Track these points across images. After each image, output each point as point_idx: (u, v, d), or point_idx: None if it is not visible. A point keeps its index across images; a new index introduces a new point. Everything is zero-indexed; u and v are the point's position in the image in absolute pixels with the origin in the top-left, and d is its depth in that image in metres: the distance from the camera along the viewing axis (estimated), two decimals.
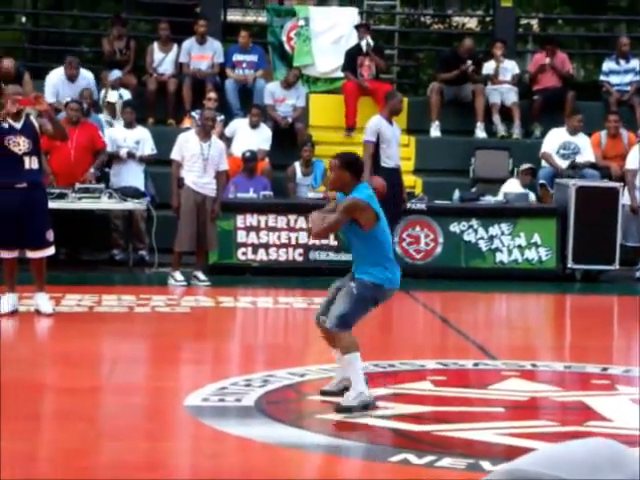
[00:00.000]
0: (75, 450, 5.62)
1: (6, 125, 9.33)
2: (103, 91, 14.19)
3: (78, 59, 14.53)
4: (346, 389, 6.43)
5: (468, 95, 14.78)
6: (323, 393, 6.62)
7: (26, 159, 9.31)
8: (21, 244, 9.44)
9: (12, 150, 9.29)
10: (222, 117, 13.91)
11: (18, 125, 9.37)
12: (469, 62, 14.74)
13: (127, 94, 14.22)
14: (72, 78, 14.02)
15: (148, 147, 13.18)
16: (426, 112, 14.68)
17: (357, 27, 15.25)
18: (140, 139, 13.21)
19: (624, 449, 1.41)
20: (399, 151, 11.83)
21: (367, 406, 6.26)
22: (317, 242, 12.56)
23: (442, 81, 14.86)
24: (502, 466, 1.39)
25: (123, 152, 13.05)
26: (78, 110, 12.70)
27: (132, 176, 13.09)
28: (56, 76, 14.14)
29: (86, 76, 14.27)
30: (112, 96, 14.02)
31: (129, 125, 13.25)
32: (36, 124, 9.46)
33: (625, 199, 12.85)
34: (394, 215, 11.60)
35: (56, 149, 12.22)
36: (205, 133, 11.59)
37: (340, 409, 6.24)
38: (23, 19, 20.23)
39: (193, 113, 13.85)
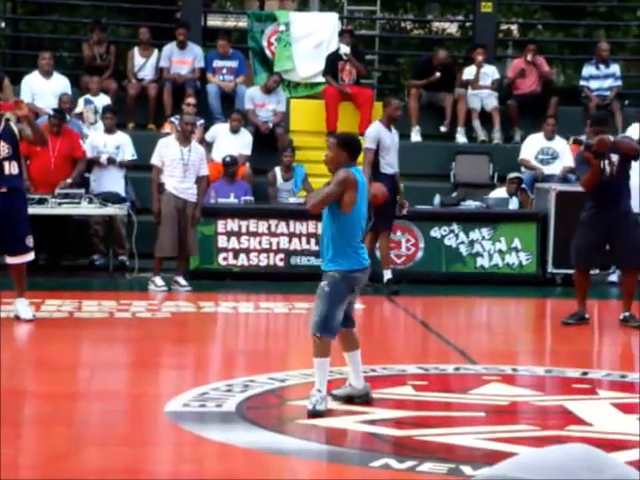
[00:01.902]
0: (55, 456, 5.59)
1: None
2: (85, 97, 14.16)
3: (51, 54, 14.55)
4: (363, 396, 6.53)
5: (441, 101, 14.82)
6: (339, 398, 6.61)
7: (5, 164, 9.27)
8: (0, 250, 9.40)
9: None
10: (202, 122, 13.90)
11: None
12: (437, 74, 14.80)
13: (107, 99, 14.19)
14: (47, 74, 14.06)
15: (128, 152, 13.15)
16: (407, 117, 14.70)
17: (341, 33, 15.27)
18: (120, 144, 13.18)
19: (603, 454, 1.41)
20: (397, 157, 11.73)
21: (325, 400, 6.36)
22: (298, 247, 12.55)
23: (415, 87, 14.92)
24: (482, 471, 1.39)
25: (103, 158, 13.01)
26: (59, 124, 12.65)
27: (112, 181, 13.06)
28: (31, 77, 14.21)
29: (62, 79, 14.29)
30: (81, 107, 13.95)
31: (109, 130, 13.22)
32: (16, 129, 9.42)
33: None
34: (392, 218, 11.64)
35: (36, 155, 12.18)
36: (185, 138, 11.57)
37: (315, 412, 6.24)
38: (2, 24, 20.15)
39: (172, 118, 13.83)
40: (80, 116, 13.83)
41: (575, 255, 10.05)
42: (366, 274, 6.58)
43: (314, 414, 6.24)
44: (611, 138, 9.55)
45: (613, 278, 12.72)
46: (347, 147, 6.49)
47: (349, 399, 6.57)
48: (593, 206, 9.80)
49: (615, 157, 9.59)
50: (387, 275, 11.66)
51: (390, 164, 11.59)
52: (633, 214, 9.81)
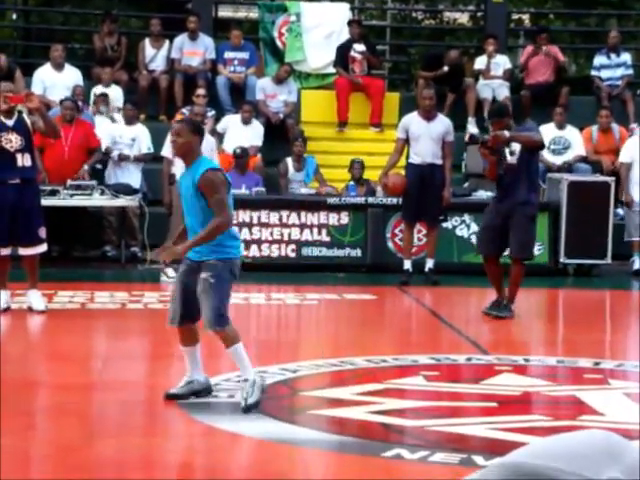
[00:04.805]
0: (68, 447, 5.61)
1: None
2: (98, 87, 14.18)
3: (63, 47, 14.57)
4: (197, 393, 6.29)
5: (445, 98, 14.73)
6: (183, 396, 6.32)
7: (18, 156, 9.30)
8: (13, 241, 9.43)
9: (4, 147, 9.28)
10: (213, 112, 13.90)
11: (10, 122, 9.35)
12: (445, 68, 14.77)
13: (118, 91, 14.20)
14: (58, 66, 14.09)
15: (144, 146, 13.15)
16: (417, 107, 14.65)
17: (349, 23, 15.24)
18: (136, 136, 13.18)
19: (621, 440, 1.40)
20: (433, 147, 11.53)
21: (265, 388, 6.19)
22: (309, 238, 12.56)
23: (423, 78, 14.87)
24: (497, 460, 1.39)
25: (115, 154, 13.02)
26: (73, 108, 12.69)
27: (126, 173, 13.08)
28: (43, 70, 14.23)
29: (74, 71, 14.32)
30: (104, 92, 14.00)
31: (129, 121, 13.23)
32: (28, 121, 9.44)
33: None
34: (431, 210, 11.57)
35: (50, 146, 12.20)
36: None
37: (248, 407, 6.06)
38: (14, 16, 20.17)
39: (184, 110, 13.83)
40: (104, 99, 13.83)
41: (477, 243, 10.28)
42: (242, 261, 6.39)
43: (248, 409, 6.04)
44: (506, 133, 9.46)
45: (637, 266, 12.70)
46: (198, 131, 6.33)
47: (195, 394, 6.33)
48: (496, 195, 9.99)
49: (517, 147, 9.56)
50: (407, 265, 11.64)
51: (419, 153, 11.51)
52: (530, 205, 9.61)
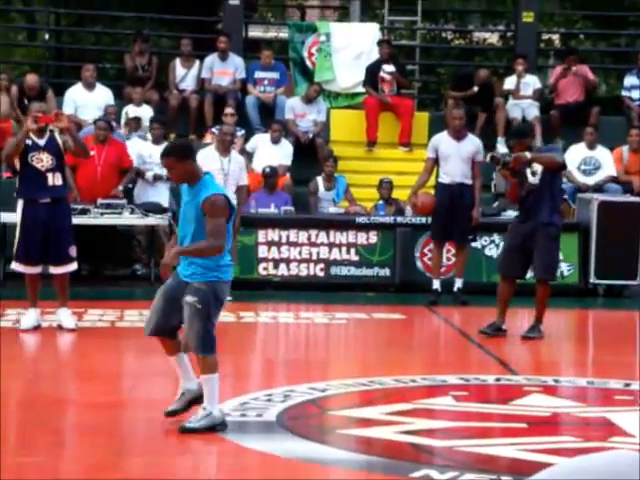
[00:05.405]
0: (96, 465, 5.62)
1: (30, 142, 9.40)
2: (129, 106, 14.27)
3: (94, 66, 14.70)
4: (191, 403, 6.27)
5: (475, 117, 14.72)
6: (179, 411, 6.30)
7: (49, 175, 9.37)
8: (44, 260, 9.49)
9: (35, 166, 9.36)
10: (243, 132, 13.96)
11: (42, 142, 9.43)
12: (475, 88, 14.76)
13: (149, 110, 14.29)
14: (90, 86, 14.20)
15: None
16: (447, 127, 14.65)
17: (379, 43, 15.28)
18: None
19: None
20: (463, 167, 11.57)
21: (214, 426, 6.09)
22: (338, 257, 12.56)
23: (452, 98, 14.87)
24: (530, 478, 1.39)
25: (149, 175, 13.10)
26: (106, 128, 12.79)
27: (155, 192, 13.15)
28: (75, 89, 14.35)
29: (105, 91, 14.43)
30: (136, 112, 14.10)
31: (156, 141, 13.30)
32: (60, 141, 9.52)
33: None
34: (460, 230, 11.57)
35: (83, 165, 12.28)
36: (225, 148, 11.61)
37: (185, 429, 6.06)
38: (46, 36, 20.35)
39: (213, 129, 13.90)
40: (133, 121, 13.93)
41: (498, 263, 10.23)
42: (230, 284, 6.26)
43: (182, 430, 6.03)
44: (528, 155, 9.42)
45: None
46: (186, 153, 6.17)
47: (191, 403, 6.27)
48: (518, 215, 9.97)
49: (538, 167, 9.53)
50: (436, 285, 11.64)
51: (448, 173, 11.52)
52: (553, 226, 9.58)
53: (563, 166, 9.93)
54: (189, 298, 6.05)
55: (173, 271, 6.27)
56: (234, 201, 6.33)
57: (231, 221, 6.16)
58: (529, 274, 9.94)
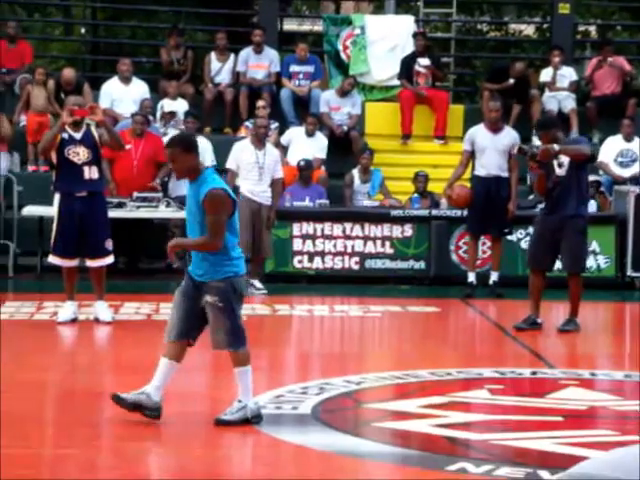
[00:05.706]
0: (133, 457, 5.66)
1: (66, 135, 9.46)
2: (164, 100, 14.33)
3: (130, 60, 14.78)
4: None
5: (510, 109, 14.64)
6: (128, 403, 6.16)
7: (85, 169, 9.43)
8: (81, 253, 9.55)
9: (71, 160, 9.42)
10: (277, 125, 13.97)
11: (78, 135, 9.49)
12: (511, 81, 14.68)
13: (184, 104, 14.33)
14: (126, 80, 14.27)
15: (208, 158, 13.24)
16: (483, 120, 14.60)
17: (414, 35, 15.24)
18: (201, 150, 13.26)
19: None
20: (499, 159, 11.51)
21: (251, 420, 6.09)
22: (373, 250, 12.55)
23: (488, 90, 14.79)
24: (562, 473, 1.39)
25: None
26: (143, 122, 12.85)
27: None
28: (111, 83, 14.42)
29: (141, 84, 14.49)
30: (172, 105, 14.15)
31: None
32: (96, 134, 9.57)
33: None
34: (496, 223, 11.54)
35: (120, 158, 12.35)
36: (259, 141, 11.63)
37: (220, 421, 6.07)
38: (82, 30, 20.48)
39: (247, 123, 13.92)
40: (169, 115, 13.98)
41: (527, 256, 10.13)
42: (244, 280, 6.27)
43: (219, 422, 6.05)
44: (556, 147, 9.32)
45: None
46: (191, 147, 6.16)
47: (135, 406, 6.14)
48: (544, 207, 9.84)
49: (565, 159, 9.43)
50: (472, 278, 11.61)
51: (484, 165, 11.49)
52: (580, 218, 9.51)
53: (591, 157, 9.84)
54: (209, 298, 6.06)
55: (182, 260, 6.31)
56: (234, 194, 6.29)
57: (235, 213, 6.12)
58: (557, 265, 9.89)
